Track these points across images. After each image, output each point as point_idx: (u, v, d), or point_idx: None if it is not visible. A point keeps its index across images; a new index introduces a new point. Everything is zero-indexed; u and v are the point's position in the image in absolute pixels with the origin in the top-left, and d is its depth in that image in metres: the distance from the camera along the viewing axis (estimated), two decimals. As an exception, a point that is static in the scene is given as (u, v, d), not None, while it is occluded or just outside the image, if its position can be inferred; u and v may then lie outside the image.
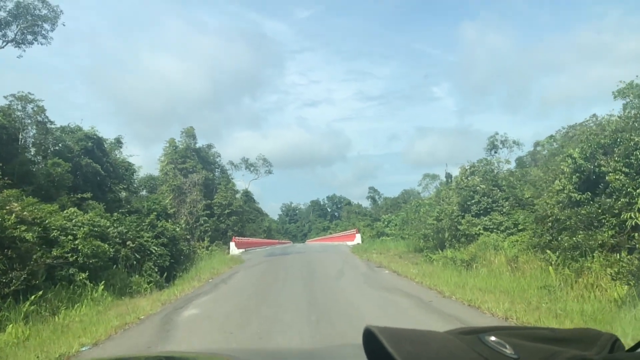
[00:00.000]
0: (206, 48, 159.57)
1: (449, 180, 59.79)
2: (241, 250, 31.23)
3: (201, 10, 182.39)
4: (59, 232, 15.46)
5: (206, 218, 41.49)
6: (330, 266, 16.90)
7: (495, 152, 40.63)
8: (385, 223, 33.27)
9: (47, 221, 15.25)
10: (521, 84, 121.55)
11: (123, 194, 23.49)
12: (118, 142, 26.04)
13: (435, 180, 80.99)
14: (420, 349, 0.78)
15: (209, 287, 13.38)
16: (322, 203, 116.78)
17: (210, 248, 35.19)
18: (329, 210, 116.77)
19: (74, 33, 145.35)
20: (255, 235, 56.72)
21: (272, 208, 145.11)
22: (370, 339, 0.81)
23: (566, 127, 38.14)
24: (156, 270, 21.13)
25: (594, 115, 36.45)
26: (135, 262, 20.22)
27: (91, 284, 15.55)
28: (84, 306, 12.78)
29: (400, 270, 14.72)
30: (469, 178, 20.57)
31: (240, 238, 36.11)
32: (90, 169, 21.84)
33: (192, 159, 44.15)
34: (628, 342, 0.96)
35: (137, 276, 19.16)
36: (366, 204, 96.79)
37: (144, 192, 46.91)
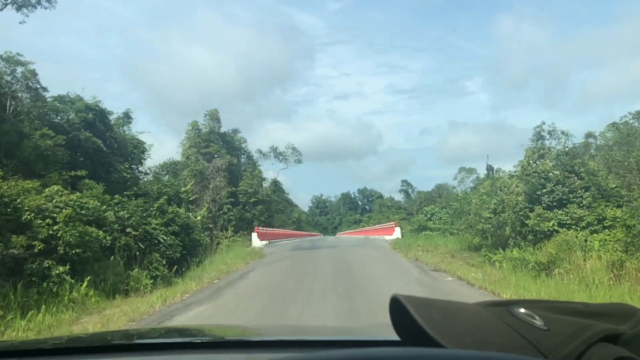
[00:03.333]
0: (238, 40, 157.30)
1: (490, 173, 55.86)
2: (264, 242, 28.05)
3: (233, 3, 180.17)
4: (33, 214, 12.47)
5: (230, 206, 38.58)
6: (371, 267, 13.48)
7: (542, 144, 36.99)
8: (428, 216, 29.57)
9: (17, 200, 12.27)
10: (558, 78, 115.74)
11: (128, 175, 20.49)
12: (127, 117, 23.09)
13: (472, 174, 77.57)
14: (447, 317, 0.76)
15: (207, 293, 10.16)
16: (352, 196, 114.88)
17: (232, 239, 32.18)
18: (360, 203, 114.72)
19: (110, 24, 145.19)
20: (284, 226, 53.91)
21: (302, 200, 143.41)
22: (398, 308, 0.77)
23: (631, 114, 34.19)
24: (164, 262, 18.06)
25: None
26: (138, 253, 17.17)
27: (73, 280, 12.65)
28: (46, 312, 9.68)
29: (464, 275, 11.18)
30: (537, 162, 16.84)
31: (264, 229, 32.99)
32: (91, 144, 18.93)
33: (216, 143, 41.30)
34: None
35: (137, 270, 16.07)
36: (398, 197, 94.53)
37: (166, 177, 44.73)
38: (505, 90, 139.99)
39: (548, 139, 37.10)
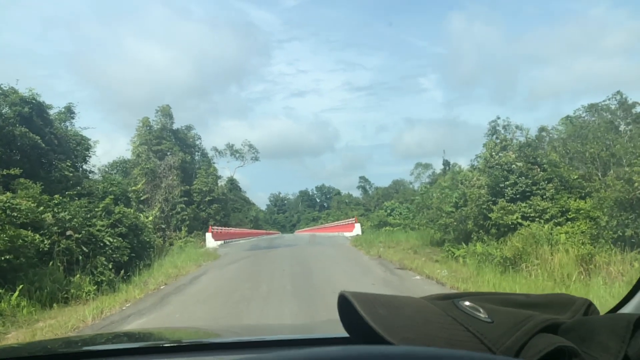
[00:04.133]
0: (192, 36, 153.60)
1: (447, 168, 56.20)
2: (219, 242, 26.89)
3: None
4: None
5: (184, 205, 37.11)
6: (332, 267, 12.70)
7: (497, 138, 37.31)
8: (388, 211, 29.06)
9: None
10: (509, 75, 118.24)
11: (70, 173, 18.98)
12: (69, 112, 21.42)
13: (428, 169, 78.37)
14: (393, 312, 0.77)
15: (151, 302, 9.13)
16: (311, 193, 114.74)
17: (185, 239, 30.83)
18: (318, 200, 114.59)
19: (55, 18, 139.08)
20: (241, 225, 52.74)
21: (260, 198, 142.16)
22: (345, 305, 0.78)
23: (584, 107, 34.70)
24: (110, 267, 16.76)
25: (618, 92, 33.00)
26: (81, 257, 15.85)
27: (2, 290, 11.42)
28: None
29: (432, 273, 10.52)
30: (500, 154, 16.45)
31: (220, 228, 31.80)
32: (27, 140, 17.38)
33: (168, 141, 39.67)
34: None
35: (79, 276, 14.79)
36: (357, 193, 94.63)
37: (116, 176, 42.78)
38: (459, 87, 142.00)
39: (503, 134, 37.61)
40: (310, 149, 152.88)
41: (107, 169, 42.31)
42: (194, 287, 10.46)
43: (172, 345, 1.94)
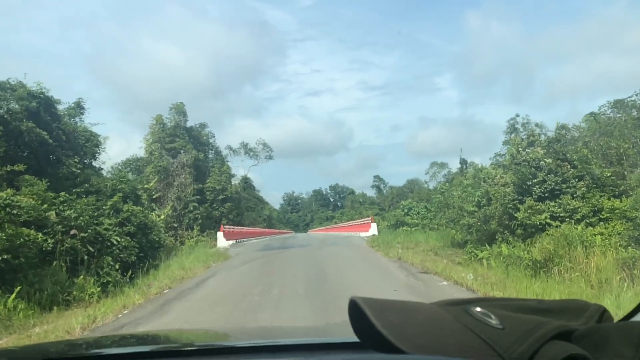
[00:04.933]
0: (208, 36, 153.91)
1: (464, 167, 55.03)
2: (231, 242, 26.16)
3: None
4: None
5: (196, 204, 36.52)
6: (350, 270, 11.84)
7: (516, 136, 36.36)
8: (405, 211, 28.10)
9: None
10: (525, 74, 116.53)
11: (78, 170, 18.37)
12: (79, 107, 20.83)
13: (444, 169, 77.36)
14: (404, 319, 0.76)
15: (151, 309, 8.36)
16: (324, 192, 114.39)
17: (196, 238, 30.19)
18: (332, 199, 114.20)
19: (74, 19, 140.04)
20: (255, 224, 52.15)
21: (273, 197, 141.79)
22: (356, 310, 0.77)
23: (609, 104, 33.51)
24: (117, 267, 16.13)
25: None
26: (86, 257, 15.23)
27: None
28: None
29: (460, 278, 9.63)
30: (527, 150, 15.50)
31: (231, 227, 31.10)
32: (34, 136, 16.78)
33: (181, 138, 39.12)
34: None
35: (83, 277, 14.15)
36: (371, 193, 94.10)
37: (129, 174, 42.43)
38: (474, 86, 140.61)
39: (522, 131, 36.57)
40: (324, 148, 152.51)
41: (120, 167, 42.05)
42: (199, 292, 9.69)
43: (182, 348, 1.90)
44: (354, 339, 0.84)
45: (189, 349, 1.91)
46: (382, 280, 10.23)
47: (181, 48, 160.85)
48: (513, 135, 32.85)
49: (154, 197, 35.76)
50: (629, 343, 0.76)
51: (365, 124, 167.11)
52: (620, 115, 32.93)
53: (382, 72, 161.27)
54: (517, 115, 34.80)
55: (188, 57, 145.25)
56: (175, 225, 35.16)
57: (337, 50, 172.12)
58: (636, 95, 31.22)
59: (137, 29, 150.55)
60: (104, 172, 23.98)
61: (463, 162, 54.84)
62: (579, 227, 12.77)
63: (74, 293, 12.93)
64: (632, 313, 1.44)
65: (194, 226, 35.44)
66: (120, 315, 8.04)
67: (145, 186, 35.92)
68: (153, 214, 33.54)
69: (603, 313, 0.87)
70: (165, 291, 10.26)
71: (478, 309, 0.79)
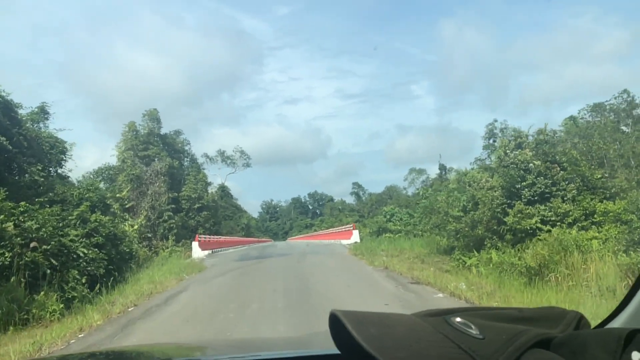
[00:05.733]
0: (184, 44, 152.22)
1: (443, 172, 54.73)
2: (207, 252, 25.12)
3: (177, 6, 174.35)
4: None
5: (171, 213, 35.31)
6: (334, 282, 10.96)
7: (494, 142, 36.22)
8: (388, 217, 27.37)
9: None
10: (500, 82, 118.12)
11: (41, 178, 17.23)
12: (43, 112, 19.65)
13: (422, 175, 77.46)
14: (384, 331, 0.76)
15: (110, 332, 7.39)
16: (303, 200, 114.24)
17: (170, 249, 29.03)
18: (311, 207, 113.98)
19: (46, 27, 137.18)
20: (233, 233, 51.18)
21: (252, 206, 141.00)
22: (336, 323, 0.78)
23: (589, 107, 33.54)
24: (83, 281, 15.03)
25: (625, 90, 31.77)
26: (49, 271, 14.11)
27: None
28: None
29: (455, 289, 8.86)
30: (515, 152, 14.92)
31: (207, 237, 30.05)
32: (-9, 142, 15.64)
33: (155, 146, 37.86)
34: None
35: (44, 293, 13.03)
36: (350, 200, 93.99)
37: (101, 184, 41.05)
38: (450, 94, 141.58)
39: (500, 137, 36.40)
40: (303, 156, 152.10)
41: (92, 176, 40.63)
42: (168, 310, 8.72)
43: None
44: (335, 351, 0.83)
45: None
46: (370, 293, 9.37)
47: (157, 56, 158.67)
48: (484, 143, 32.62)
49: (127, 206, 34.54)
50: (606, 350, 0.76)
51: (344, 131, 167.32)
52: (598, 118, 33.00)
53: (359, 80, 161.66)
54: (495, 121, 34.82)
55: (164, 65, 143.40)
56: (149, 235, 33.93)
57: (315, 59, 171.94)
58: (615, 98, 31.38)
59: (112, 36, 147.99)
60: (73, 181, 22.82)
61: (442, 167, 54.64)
62: (573, 232, 12.17)
63: (33, 311, 11.84)
64: (608, 319, 1.45)
65: (169, 236, 34.25)
66: (73, 341, 7.06)
67: (118, 195, 34.66)
68: (126, 224, 32.30)
69: (580, 320, 0.87)
70: (130, 309, 9.27)
71: (458, 319, 0.79)
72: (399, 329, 0.78)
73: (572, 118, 32.56)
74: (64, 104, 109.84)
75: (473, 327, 0.77)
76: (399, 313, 0.84)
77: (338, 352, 0.83)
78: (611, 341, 0.77)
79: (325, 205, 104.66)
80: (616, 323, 1.43)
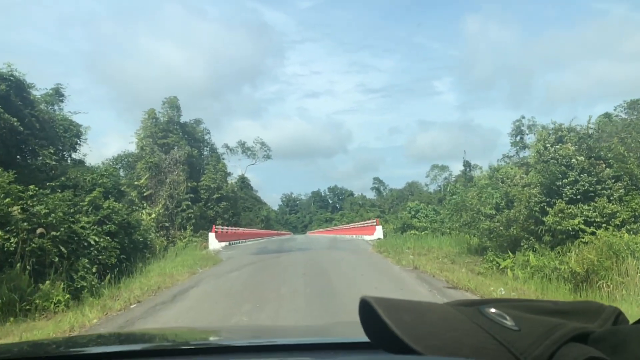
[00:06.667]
0: (207, 36, 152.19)
1: (468, 169, 53.27)
2: (224, 243, 24.37)
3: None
4: None
5: (190, 203, 34.68)
6: (359, 282, 9.91)
7: (522, 139, 34.77)
8: (412, 213, 26.28)
9: None
10: (524, 79, 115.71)
11: (53, 162, 16.57)
12: (57, 94, 19.01)
13: (444, 171, 76.19)
14: (418, 319, 0.73)
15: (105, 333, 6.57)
16: (323, 194, 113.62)
17: (187, 239, 28.37)
18: (330, 201, 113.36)
19: (73, 17, 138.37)
20: (252, 225, 50.67)
21: (272, 198, 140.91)
22: (367, 310, 0.75)
23: (626, 103, 32.01)
24: (93, 270, 14.34)
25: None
26: (57, 259, 13.42)
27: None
28: None
29: (499, 296, 7.88)
30: (555, 147, 13.77)
31: (225, 228, 29.33)
32: (2, 122, 15.00)
33: (175, 134, 37.25)
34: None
35: (50, 282, 12.32)
36: (370, 195, 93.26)
37: (121, 171, 40.74)
38: (473, 90, 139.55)
39: (527, 134, 35.02)
40: (323, 150, 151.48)
41: (111, 163, 40.34)
42: (174, 309, 7.83)
43: (180, 347, 1.84)
44: (362, 339, 0.82)
45: (185, 347, 1.84)
46: (401, 298, 8.40)
47: (180, 48, 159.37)
48: (511, 140, 31.24)
49: (145, 194, 34.09)
50: None
51: (364, 126, 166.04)
52: (635, 116, 31.41)
53: (381, 75, 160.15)
54: (523, 117, 33.33)
55: (187, 57, 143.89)
56: (167, 224, 33.41)
57: (336, 53, 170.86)
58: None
59: (136, 27, 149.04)
60: (88, 166, 22.26)
61: (467, 164, 53.22)
62: (626, 235, 11.01)
63: (37, 301, 11.15)
64: None
65: (187, 226, 33.66)
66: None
67: (136, 183, 34.22)
68: (143, 212, 31.87)
69: (618, 315, 0.84)
70: (132, 306, 8.43)
71: (493, 309, 0.77)
72: (433, 317, 0.76)
73: (607, 115, 30.99)
74: (88, 93, 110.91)
75: (508, 318, 0.75)
76: (431, 302, 0.81)
77: (366, 340, 0.79)
78: None
79: (345, 199, 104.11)
80: None
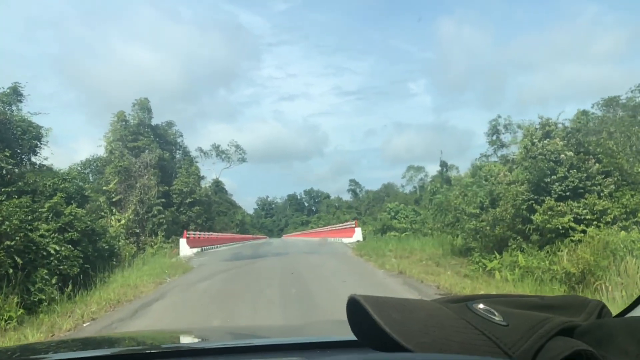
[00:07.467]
0: (180, 39, 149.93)
1: (444, 169, 53.08)
2: (196, 249, 23.34)
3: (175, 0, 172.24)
4: None
5: (161, 208, 33.48)
6: (341, 291, 8.97)
7: (498, 137, 34.60)
8: (392, 214, 25.56)
9: None
10: (497, 81, 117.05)
11: (9, 166, 15.40)
12: (15, 93, 17.76)
13: (420, 172, 76.24)
14: (407, 316, 0.75)
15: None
16: (299, 197, 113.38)
17: (157, 245, 27.24)
18: (307, 204, 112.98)
19: (40, 19, 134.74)
20: (227, 229, 49.60)
21: (247, 202, 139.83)
22: (355, 309, 0.77)
23: (603, 100, 32.04)
24: (53, 281, 13.28)
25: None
26: (12, 270, 12.33)
27: None
28: None
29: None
30: (542, 142, 13.23)
31: (197, 233, 28.28)
32: (-50, 123, 13.82)
33: (145, 137, 35.98)
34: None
35: (3, 295, 11.24)
36: (346, 197, 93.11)
37: (90, 177, 39.31)
38: (447, 92, 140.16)
39: (503, 133, 34.89)
40: (299, 153, 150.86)
41: (79, 168, 38.86)
42: (132, 327, 6.88)
43: (157, 351, 1.74)
44: (350, 337, 0.81)
45: (166, 350, 1.78)
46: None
47: (153, 50, 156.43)
48: (488, 139, 30.97)
49: (114, 199, 32.78)
50: (634, 339, 0.75)
51: (340, 129, 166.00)
52: (610, 114, 31.43)
53: (356, 78, 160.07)
54: (499, 117, 33.12)
55: (160, 59, 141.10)
56: (137, 230, 32.16)
57: (312, 55, 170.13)
58: (632, 91, 29.81)
59: (107, 29, 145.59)
60: (51, 171, 20.99)
61: (444, 164, 53.01)
62: (621, 233, 10.46)
63: (-14, 318, 10.10)
64: (629, 309, 1.43)
65: (159, 232, 32.44)
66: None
67: (104, 188, 32.87)
68: (112, 218, 30.59)
69: (602, 309, 0.86)
70: (85, 324, 7.45)
71: (481, 305, 0.78)
72: (422, 314, 0.76)
73: (585, 112, 30.95)
74: (58, 97, 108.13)
75: (496, 314, 0.76)
76: (419, 299, 0.81)
77: (353, 338, 0.80)
78: (639, 330, 0.76)
79: (322, 202, 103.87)
80: (638, 312, 1.36)
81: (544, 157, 12.85)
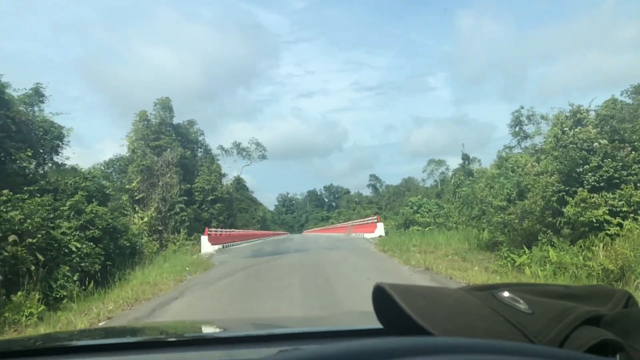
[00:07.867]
0: (200, 39, 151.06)
1: (467, 162, 52.13)
2: (217, 246, 23.21)
3: (194, 1, 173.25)
4: None
5: (183, 205, 33.55)
6: (366, 289, 8.67)
7: (521, 129, 33.71)
8: (415, 208, 25.11)
9: None
10: (517, 72, 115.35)
11: (31, 165, 15.43)
12: (37, 94, 17.77)
13: (441, 166, 75.32)
14: (433, 304, 0.75)
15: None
16: (319, 193, 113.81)
17: (178, 243, 27.22)
18: (327, 200, 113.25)
19: (65, 24, 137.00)
20: (248, 226, 49.69)
21: (268, 199, 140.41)
22: (381, 297, 0.77)
23: (632, 87, 30.98)
24: (75, 278, 13.25)
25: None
26: (34, 267, 12.28)
27: None
28: None
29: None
30: (574, 130, 12.67)
31: (219, 230, 28.17)
32: (-25, 125, 13.83)
33: (167, 136, 36.09)
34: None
35: (23, 292, 11.15)
36: (366, 192, 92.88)
37: (113, 176, 39.69)
38: (467, 86, 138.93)
39: (526, 124, 34.01)
40: (318, 149, 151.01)
41: (102, 167, 39.25)
42: (149, 327, 6.78)
43: (191, 338, 1.82)
44: (375, 325, 0.83)
45: (197, 338, 1.84)
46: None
47: (173, 51, 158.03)
48: (511, 131, 30.21)
49: (137, 198, 32.97)
50: None
51: (359, 124, 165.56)
52: (640, 101, 30.37)
53: (375, 73, 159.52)
54: (522, 108, 32.28)
55: (181, 60, 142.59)
56: (160, 228, 32.30)
57: (331, 52, 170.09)
58: (663, 79, 28.81)
59: (129, 32, 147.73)
60: (70, 169, 21.06)
61: (465, 157, 52.11)
62: (630, 223, 9.92)
63: (6, 314, 10.05)
64: None
65: (181, 229, 32.55)
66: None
67: (127, 186, 33.09)
68: (135, 216, 30.74)
69: (629, 299, 0.85)
70: (100, 324, 7.25)
71: (506, 293, 0.78)
72: (447, 301, 0.77)
73: (614, 100, 30.00)
74: (83, 100, 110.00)
75: (521, 302, 0.76)
76: (444, 287, 0.82)
77: (379, 327, 0.81)
78: None
79: (342, 197, 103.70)
80: None
81: (575, 146, 12.29)
